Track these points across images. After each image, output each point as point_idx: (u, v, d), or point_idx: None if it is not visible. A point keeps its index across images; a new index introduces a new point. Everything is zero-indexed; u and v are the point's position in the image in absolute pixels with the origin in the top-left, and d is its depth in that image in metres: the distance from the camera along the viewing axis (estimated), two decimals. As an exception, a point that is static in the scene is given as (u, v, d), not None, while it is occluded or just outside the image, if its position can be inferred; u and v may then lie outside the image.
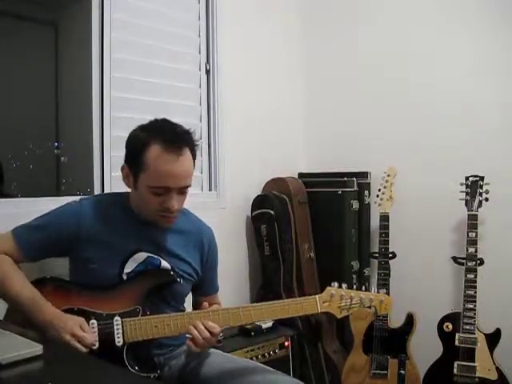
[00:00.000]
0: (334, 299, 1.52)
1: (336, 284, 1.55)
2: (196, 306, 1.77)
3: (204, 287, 1.77)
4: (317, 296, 1.52)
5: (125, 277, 1.58)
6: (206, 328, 1.47)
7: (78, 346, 1.40)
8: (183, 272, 1.65)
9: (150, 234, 1.62)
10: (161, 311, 1.56)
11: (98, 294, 1.54)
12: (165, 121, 1.60)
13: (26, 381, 1.12)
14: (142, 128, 1.58)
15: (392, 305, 1.55)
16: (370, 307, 1.54)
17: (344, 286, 1.54)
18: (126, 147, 1.59)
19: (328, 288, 1.54)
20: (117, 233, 1.60)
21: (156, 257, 1.61)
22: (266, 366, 1.62)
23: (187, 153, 1.54)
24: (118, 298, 1.54)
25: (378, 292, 1.55)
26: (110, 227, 1.60)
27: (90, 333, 1.45)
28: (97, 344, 1.46)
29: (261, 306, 1.54)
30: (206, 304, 1.61)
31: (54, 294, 1.53)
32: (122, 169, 1.60)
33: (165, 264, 1.61)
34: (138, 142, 1.54)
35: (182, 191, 1.56)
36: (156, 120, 1.60)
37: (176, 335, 1.54)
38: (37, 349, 1.19)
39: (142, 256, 1.60)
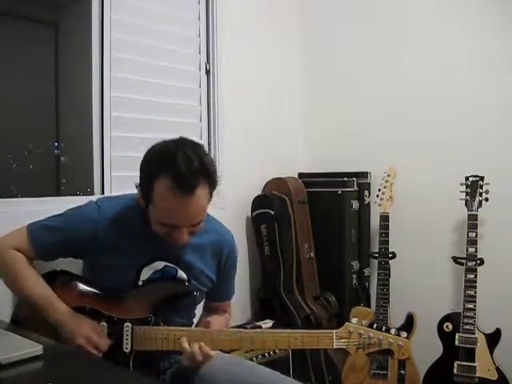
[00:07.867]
0: (352, 337, 1.46)
1: (355, 320, 1.49)
2: (206, 307, 1.76)
3: (217, 293, 1.73)
4: (334, 331, 1.47)
5: (140, 283, 1.55)
6: (202, 352, 1.42)
7: (92, 350, 1.41)
8: (199, 283, 1.62)
9: (167, 244, 1.54)
10: (172, 321, 1.54)
11: (110, 296, 1.52)
12: (182, 148, 1.40)
13: (25, 381, 1.12)
14: (157, 151, 1.44)
15: (410, 350, 1.47)
16: (388, 350, 1.46)
17: (364, 322, 1.47)
18: (139, 168, 1.47)
19: (347, 323, 1.47)
20: (134, 241, 1.55)
21: (173, 266, 1.58)
22: (265, 368, 1.61)
23: (201, 190, 1.38)
24: (130, 303, 1.52)
25: (398, 334, 1.46)
26: (128, 235, 1.54)
27: (104, 339, 1.45)
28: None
29: (276, 332, 1.53)
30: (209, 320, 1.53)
31: (65, 289, 1.52)
32: (136, 187, 1.50)
33: (181, 274, 1.58)
34: (149, 170, 1.43)
35: (195, 225, 1.46)
36: (175, 143, 1.43)
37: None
38: (37, 349, 1.20)
39: (159, 264, 1.56)
